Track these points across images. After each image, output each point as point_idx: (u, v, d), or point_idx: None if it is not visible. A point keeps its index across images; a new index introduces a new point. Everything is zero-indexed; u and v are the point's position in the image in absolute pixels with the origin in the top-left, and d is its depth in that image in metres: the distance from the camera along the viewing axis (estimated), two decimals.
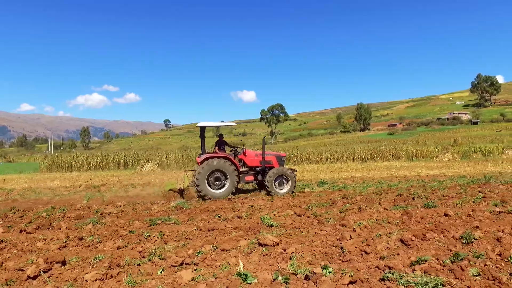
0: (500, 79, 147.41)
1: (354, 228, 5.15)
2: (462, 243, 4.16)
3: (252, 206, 7.98)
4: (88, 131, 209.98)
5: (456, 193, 8.65)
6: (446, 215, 5.71)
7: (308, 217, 6.37)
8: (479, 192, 8.59)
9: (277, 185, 9.76)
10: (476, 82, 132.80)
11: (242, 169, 10.13)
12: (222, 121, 12.16)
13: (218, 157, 9.50)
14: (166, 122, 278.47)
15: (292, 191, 9.90)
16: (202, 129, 10.16)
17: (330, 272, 3.36)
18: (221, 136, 10.42)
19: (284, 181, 9.86)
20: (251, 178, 10.15)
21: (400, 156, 29.58)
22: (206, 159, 9.41)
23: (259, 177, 10.22)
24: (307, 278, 3.26)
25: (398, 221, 5.54)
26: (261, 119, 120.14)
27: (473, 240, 4.15)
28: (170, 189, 10.62)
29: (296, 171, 10.56)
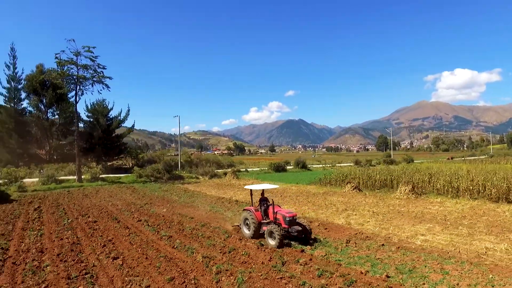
0: None
1: None
2: None
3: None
4: None
5: None
6: None
7: None
8: None
9: (271, 239, 11.75)
10: None
11: (267, 220, 12.82)
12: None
13: (247, 210, 13.34)
14: None
15: (277, 247, 11.30)
16: (251, 190, 14.53)
17: None
18: (262, 194, 14.04)
19: (276, 236, 11.50)
20: (265, 228, 12.48)
21: None
22: (244, 210, 13.74)
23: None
24: None
25: None
26: None
27: None
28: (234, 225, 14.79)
29: (298, 230, 12.00)
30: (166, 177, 43.06)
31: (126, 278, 8.59)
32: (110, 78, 40.83)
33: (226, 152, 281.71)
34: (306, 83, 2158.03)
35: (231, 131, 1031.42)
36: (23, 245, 12.19)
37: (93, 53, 38.31)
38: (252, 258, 10.06)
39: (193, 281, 8.29)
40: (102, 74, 39.88)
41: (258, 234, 12.65)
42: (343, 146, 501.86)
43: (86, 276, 8.75)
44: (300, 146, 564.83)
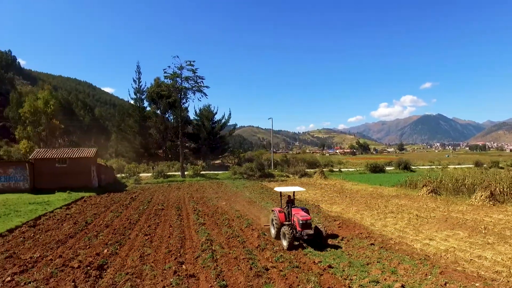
0: None
1: None
2: None
3: None
4: None
5: None
6: None
7: None
8: None
9: (284, 239, 12.38)
10: None
11: (288, 222, 13.20)
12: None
13: (273, 211, 14.16)
14: None
15: (287, 249, 11.79)
16: (280, 192, 15.47)
17: None
18: (289, 197, 14.30)
19: (287, 237, 12.05)
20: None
21: None
22: (271, 210, 14.74)
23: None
24: None
25: None
26: None
27: None
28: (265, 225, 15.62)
29: (309, 234, 12.11)
30: (257, 175, 47.03)
31: (140, 248, 11.78)
32: (207, 87, 47.22)
33: (348, 151, 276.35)
34: (446, 73, 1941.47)
35: (358, 129, 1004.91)
36: (101, 222, 16.86)
37: (193, 66, 45.01)
38: (243, 244, 12.14)
39: (179, 254, 10.93)
40: (201, 84, 46.40)
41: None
42: (494, 144, 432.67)
43: (116, 244, 12.28)
44: (438, 144, 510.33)
